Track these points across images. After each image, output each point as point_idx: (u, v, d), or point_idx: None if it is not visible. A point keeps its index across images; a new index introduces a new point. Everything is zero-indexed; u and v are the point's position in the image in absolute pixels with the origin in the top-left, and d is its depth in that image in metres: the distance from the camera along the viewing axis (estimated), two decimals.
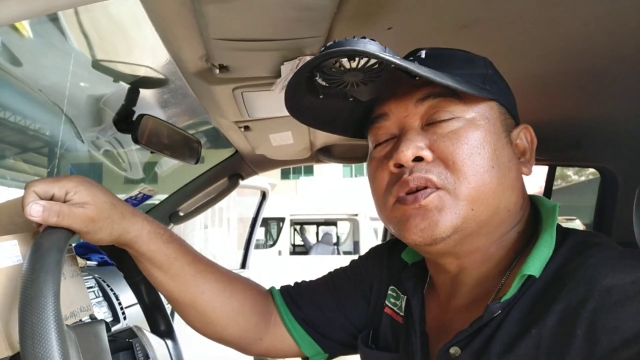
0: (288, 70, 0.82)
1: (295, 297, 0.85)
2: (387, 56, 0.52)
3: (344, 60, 0.56)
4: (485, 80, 0.62)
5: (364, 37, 0.54)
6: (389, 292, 0.79)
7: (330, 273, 0.90)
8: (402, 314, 0.74)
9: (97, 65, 1.24)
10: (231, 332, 0.79)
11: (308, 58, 0.78)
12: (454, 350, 0.59)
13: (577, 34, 0.75)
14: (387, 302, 0.78)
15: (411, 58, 0.64)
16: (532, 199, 0.67)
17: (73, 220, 0.59)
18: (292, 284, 0.89)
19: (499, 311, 0.56)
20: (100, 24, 1.27)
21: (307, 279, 0.90)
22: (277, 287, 0.88)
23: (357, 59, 0.56)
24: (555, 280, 0.54)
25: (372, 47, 0.54)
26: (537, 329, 0.51)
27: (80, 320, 0.66)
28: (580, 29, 0.73)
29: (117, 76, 1.21)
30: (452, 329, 0.61)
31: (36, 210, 0.56)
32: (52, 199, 0.60)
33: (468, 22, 0.73)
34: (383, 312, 0.78)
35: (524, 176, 0.65)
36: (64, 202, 0.60)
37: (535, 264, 0.56)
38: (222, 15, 0.63)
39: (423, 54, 0.63)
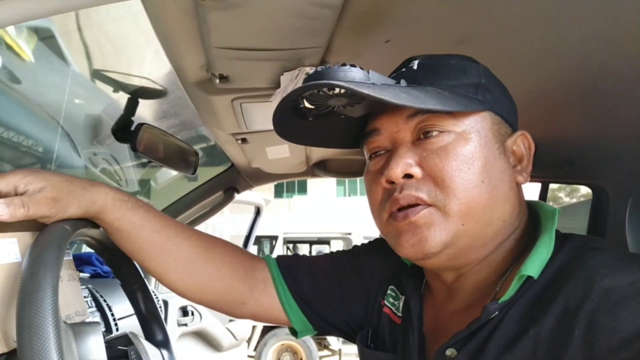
0: (287, 80, 0.83)
1: (293, 271, 0.84)
2: (364, 89, 0.52)
3: (325, 88, 0.57)
4: (478, 89, 0.62)
5: (344, 64, 0.55)
6: (389, 291, 0.79)
7: (332, 255, 0.88)
8: (400, 314, 0.74)
9: (97, 75, 1.25)
10: (210, 297, 0.80)
11: (307, 69, 0.79)
12: (450, 351, 0.59)
13: (572, 52, 0.76)
14: (385, 302, 0.78)
15: (403, 69, 0.65)
16: (532, 204, 0.68)
17: (39, 206, 0.58)
18: (289, 255, 0.88)
19: (497, 312, 0.56)
20: (100, 36, 1.29)
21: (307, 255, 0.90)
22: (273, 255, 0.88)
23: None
24: (554, 282, 0.55)
25: (353, 74, 0.54)
26: (535, 330, 0.52)
27: None
28: (575, 47, 0.74)
29: (117, 86, 1.22)
30: (449, 331, 0.62)
31: (1, 209, 0.54)
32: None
33: (465, 37, 0.74)
34: (382, 311, 0.78)
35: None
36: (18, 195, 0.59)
37: (534, 265, 0.56)
38: (224, 23, 0.64)
39: (415, 64, 0.64)
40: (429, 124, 0.60)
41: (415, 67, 0.64)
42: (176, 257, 0.74)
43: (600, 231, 1.48)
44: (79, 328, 0.56)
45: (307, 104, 0.61)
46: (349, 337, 0.86)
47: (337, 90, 0.56)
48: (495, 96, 0.64)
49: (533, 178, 1.54)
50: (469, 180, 0.58)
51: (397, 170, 0.59)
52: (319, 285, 0.83)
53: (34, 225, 0.59)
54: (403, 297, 0.75)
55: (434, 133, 0.60)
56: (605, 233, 1.46)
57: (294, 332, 0.85)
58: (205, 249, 0.78)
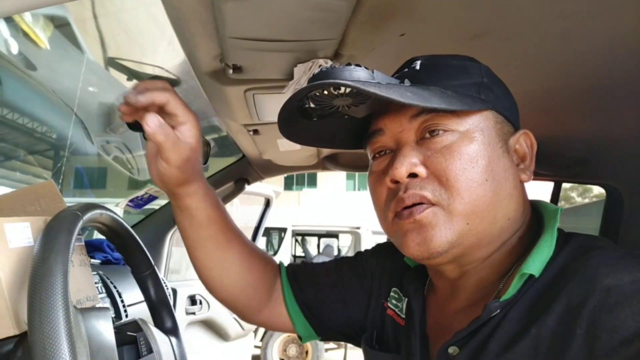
0: (301, 72, 0.83)
1: (299, 278, 0.87)
2: (371, 88, 0.52)
3: (331, 88, 0.57)
4: (480, 89, 0.62)
5: (350, 64, 0.55)
6: (392, 293, 0.79)
7: (335, 262, 0.91)
8: (403, 316, 0.75)
9: (111, 63, 1.26)
10: (237, 301, 0.83)
11: (321, 61, 0.79)
12: (452, 349, 0.59)
13: (587, 49, 0.75)
14: (388, 304, 0.79)
15: (406, 69, 0.64)
16: (535, 203, 0.68)
17: (173, 149, 0.63)
18: (298, 263, 0.91)
19: (498, 310, 0.56)
20: (115, 24, 1.29)
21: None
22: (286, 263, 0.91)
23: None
24: (556, 281, 0.55)
25: (358, 74, 0.54)
26: (536, 329, 0.52)
27: None
28: (590, 44, 0.74)
29: (131, 75, 1.23)
30: (451, 330, 0.62)
31: (153, 122, 0.60)
32: (164, 109, 0.64)
33: (479, 33, 0.74)
34: (385, 313, 0.79)
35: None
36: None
37: (535, 264, 0.56)
38: (239, 13, 0.64)
39: (418, 64, 0.64)
40: (433, 123, 0.60)
41: (417, 67, 0.63)
42: (226, 258, 0.79)
43: (613, 232, 1.47)
44: (89, 312, 0.56)
45: (311, 104, 0.62)
46: (352, 341, 0.88)
47: (342, 89, 0.56)
48: (498, 96, 0.64)
49: (545, 177, 1.54)
50: (473, 179, 0.58)
51: (401, 170, 0.59)
52: (320, 289, 0.85)
53: (46, 211, 0.59)
54: (406, 299, 0.75)
55: (439, 132, 0.60)
56: (619, 234, 1.44)
57: (300, 337, 0.88)
58: (249, 256, 0.82)
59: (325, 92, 0.58)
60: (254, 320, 0.87)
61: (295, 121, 0.66)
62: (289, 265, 0.90)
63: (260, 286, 0.84)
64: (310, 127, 0.68)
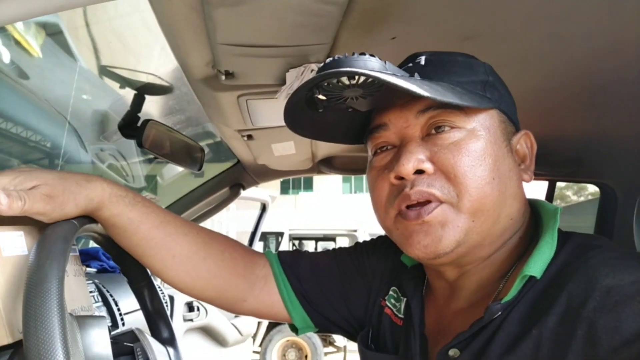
0: (293, 77, 0.83)
1: (295, 268, 0.83)
2: (389, 78, 0.52)
3: (344, 77, 0.56)
4: (486, 87, 0.62)
5: (364, 53, 0.54)
6: (391, 292, 0.78)
7: (334, 252, 0.88)
8: (401, 316, 0.74)
9: (104, 71, 1.26)
10: (209, 294, 0.79)
11: (313, 65, 0.79)
12: (453, 352, 0.59)
13: (579, 50, 0.76)
14: (387, 302, 0.78)
15: (410, 64, 0.64)
16: (533, 203, 0.68)
17: (34, 202, 0.55)
18: (291, 251, 0.87)
19: (500, 312, 0.56)
20: (108, 32, 1.29)
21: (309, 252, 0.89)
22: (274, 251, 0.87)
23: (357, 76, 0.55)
24: (556, 282, 0.55)
25: (372, 64, 0.54)
26: (537, 330, 0.51)
27: None
28: (582, 45, 0.74)
29: (124, 82, 1.23)
30: (451, 331, 0.61)
31: (3, 200, 0.51)
32: None
33: (471, 34, 0.74)
34: (383, 311, 0.78)
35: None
36: None
37: (537, 265, 0.56)
38: (230, 19, 0.64)
39: (423, 60, 0.63)
40: (440, 119, 0.59)
41: (422, 62, 0.63)
42: (175, 254, 0.73)
43: (607, 230, 1.47)
44: (85, 320, 0.56)
45: (320, 95, 0.61)
46: (349, 336, 0.85)
47: (356, 79, 0.55)
48: (502, 94, 0.64)
49: (540, 176, 1.55)
50: (482, 176, 0.57)
51: (408, 166, 0.58)
52: (321, 283, 0.82)
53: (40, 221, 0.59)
54: (404, 299, 0.75)
55: (446, 129, 0.59)
56: (613, 232, 1.45)
57: (294, 329, 0.85)
58: (204, 245, 0.76)
59: (339, 82, 0.57)
60: (242, 310, 0.82)
61: (301, 111, 0.65)
62: (281, 253, 0.86)
63: (232, 275, 0.78)
64: (313, 119, 0.68)
